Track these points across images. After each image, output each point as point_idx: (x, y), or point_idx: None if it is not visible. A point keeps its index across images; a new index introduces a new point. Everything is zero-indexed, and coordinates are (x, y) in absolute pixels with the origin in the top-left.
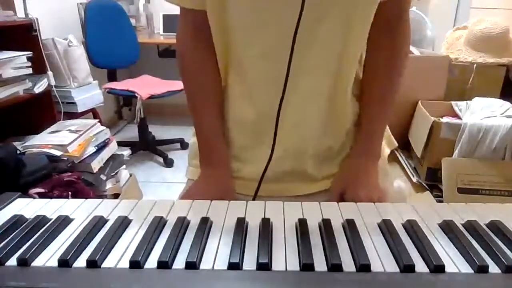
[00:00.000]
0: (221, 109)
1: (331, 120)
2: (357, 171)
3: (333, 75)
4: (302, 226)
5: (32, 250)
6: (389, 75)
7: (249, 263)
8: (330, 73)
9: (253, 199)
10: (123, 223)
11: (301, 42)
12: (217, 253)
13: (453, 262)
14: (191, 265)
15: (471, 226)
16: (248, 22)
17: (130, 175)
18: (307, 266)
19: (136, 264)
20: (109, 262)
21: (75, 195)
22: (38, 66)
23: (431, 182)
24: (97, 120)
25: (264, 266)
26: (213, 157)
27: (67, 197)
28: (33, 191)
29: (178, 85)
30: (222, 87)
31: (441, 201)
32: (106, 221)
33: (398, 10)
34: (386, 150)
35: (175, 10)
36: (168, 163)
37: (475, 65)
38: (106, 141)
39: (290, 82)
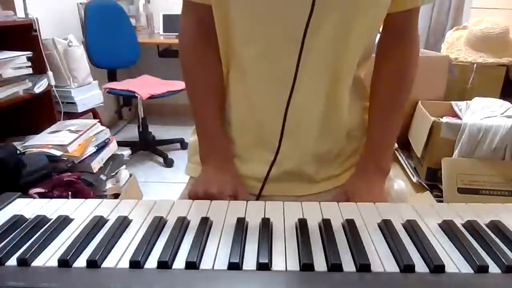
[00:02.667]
0: (222, 103)
1: (331, 121)
2: (361, 185)
3: (334, 76)
4: (302, 226)
5: (32, 250)
6: (397, 85)
7: (249, 263)
8: (331, 74)
9: (257, 199)
10: (123, 223)
11: (307, 43)
12: (217, 253)
13: (453, 262)
14: (191, 265)
15: (471, 226)
16: (249, 19)
17: (130, 175)
18: (307, 266)
19: (136, 264)
20: (109, 262)
21: (75, 195)
22: (38, 66)
23: (431, 182)
24: (97, 120)
25: (264, 266)
26: (215, 150)
27: (67, 197)
28: (33, 191)
29: (178, 85)
30: (223, 82)
31: (441, 201)
32: (106, 221)
33: (406, 22)
34: None
35: (175, 10)
36: (168, 163)
37: (475, 65)
38: (106, 141)
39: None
